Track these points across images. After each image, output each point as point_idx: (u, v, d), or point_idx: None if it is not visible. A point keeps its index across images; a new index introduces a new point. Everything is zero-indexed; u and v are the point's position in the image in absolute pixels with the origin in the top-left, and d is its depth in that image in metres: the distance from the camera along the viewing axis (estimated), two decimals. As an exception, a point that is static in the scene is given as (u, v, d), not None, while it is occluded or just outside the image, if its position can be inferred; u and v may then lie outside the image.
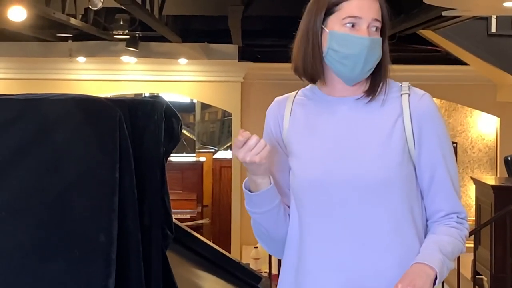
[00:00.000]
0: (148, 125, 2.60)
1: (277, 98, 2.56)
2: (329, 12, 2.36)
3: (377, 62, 2.37)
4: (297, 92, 2.52)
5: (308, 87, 2.50)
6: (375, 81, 2.40)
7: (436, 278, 2.25)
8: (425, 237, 2.40)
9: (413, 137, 2.37)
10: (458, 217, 2.41)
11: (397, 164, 2.33)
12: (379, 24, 2.36)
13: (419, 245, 2.36)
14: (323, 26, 2.37)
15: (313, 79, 2.45)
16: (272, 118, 2.52)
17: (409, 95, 2.41)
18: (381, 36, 2.38)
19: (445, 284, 7.78)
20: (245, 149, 2.26)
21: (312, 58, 2.39)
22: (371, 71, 2.37)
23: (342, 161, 2.34)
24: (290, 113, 2.48)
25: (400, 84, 2.45)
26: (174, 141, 2.72)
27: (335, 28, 2.35)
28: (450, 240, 2.36)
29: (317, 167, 2.36)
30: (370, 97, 2.39)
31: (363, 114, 2.39)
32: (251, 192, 2.40)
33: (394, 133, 2.36)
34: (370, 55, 2.32)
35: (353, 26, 2.33)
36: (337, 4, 2.34)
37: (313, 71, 2.41)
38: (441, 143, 2.41)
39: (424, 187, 2.40)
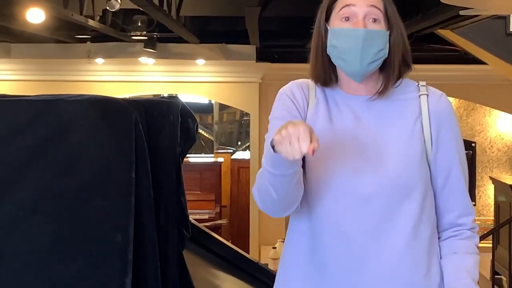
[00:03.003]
0: (164, 125, 2.61)
1: (294, 82, 2.46)
2: (330, 9, 2.35)
3: (381, 55, 2.32)
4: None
5: None
6: (385, 79, 2.37)
7: None
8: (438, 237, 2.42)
9: (430, 138, 2.36)
10: (471, 221, 2.43)
11: (418, 164, 2.33)
12: (378, 14, 2.32)
13: (435, 245, 2.37)
14: (326, 25, 2.36)
15: (322, 82, 2.41)
16: (298, 96, 2.40)
17: (427, 95, 2.40)
18: (389, 29, 2.34)
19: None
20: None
21: (318, 60, 2.38)
22: (374, 65, 2.33)
23: (363, 161, 2.31)
24: (315, 99, 2.41)
25: (417, 84, 2.43)
26: (190, 142, 2.73)
27: (334, 24, 2.33)
28: (474, 261, 2.39)
29: (340, 164, 2.32)
30: (382, 95, 2.36)
31: (381, 115, 2.37)
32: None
33: (414, 134, 2.35)
34: (367, 47, 2.29)
35: (348, 19, 2.31)
36: (335, 0, 2.34)
37: (320, 73, 2.39)
38: (457, 144, 2.41)
39: (438, 186, 2.40)
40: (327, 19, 2.37)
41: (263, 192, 2.27)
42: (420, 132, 2.36)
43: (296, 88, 2.43)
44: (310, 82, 2.46)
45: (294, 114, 2.38)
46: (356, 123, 2.36)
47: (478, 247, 2.43)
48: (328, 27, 2.35)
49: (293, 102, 2.40)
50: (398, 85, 2.41)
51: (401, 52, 2.37)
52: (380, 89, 2.37)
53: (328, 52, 2.36)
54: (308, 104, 2.41)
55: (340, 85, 2.42)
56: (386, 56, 2.34)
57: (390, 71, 2.37)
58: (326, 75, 2.40)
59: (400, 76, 2.41)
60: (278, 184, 2.20)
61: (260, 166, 2.38)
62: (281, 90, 2.45)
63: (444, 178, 2.39)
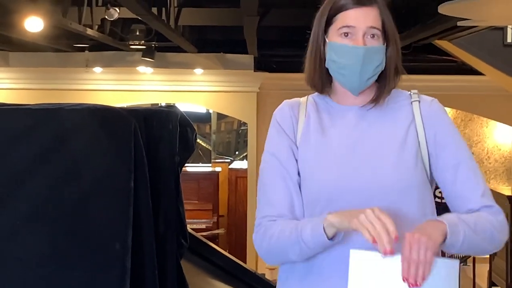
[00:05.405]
0: (162, 134, 2.61)
1: (287, 101, 2.52)
2: (329, 23, 2.38)
3: (379, 69, 2.36)
4: (307, 98, 2.51)
5: (318, 94, 2.50)
6: (380, 90, 2.41)
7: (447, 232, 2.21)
8: None
9: (426, 142, 2.38)
10: (489, 209, 2.37)
11: (412, 170, 2.34)
12: (377, 31, 2.35)
13: None
14: (325, 37, 2.39)
15: (319, 90, 2.46)
16: (287, 119, 2.47)
17: (419, 102, 2.43)
18: (386, 42, 2.37)
19: (461, 294, 7.72)
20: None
21: (315, 69, 2.42)
22: (372, 79, 2.37)
23: (357, 168, 2.34)
24: (305, 116, 2.46)
25: (409, 93, 2.47)
26: (188, 151, 2.74)
27: (333, 38, 2.36)
28: (473, 216, 2.31)
29: (333, 173, 2.34)
30: (374, 104, 2.40)
31: (375, 122, 2.40)
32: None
33: (408, 140, 2.37)
34: (366, 64, 2.32)
35: (347, 35, 2.33)
36: (335, 14, 2.36)
37: (318, 83, 2.43)
38: (458, 140, 2.43)
39: (447, 185, 2.39)
40: (325, 30, 2.39)
41: (280, 256, 2.36)
42: (415, 138, 2.38)
43: (287, 110, 2.49)
44: (302, 100, 2.52)
45: (286, 146, 2.43)
46: (350, 133, 2.39)
47: (494, 226, 2.33)
48: (327, 40, 2.38)
49: (283, 131, 2.45)
50: (390, 95, 2.44)
51: (395, 63, 2.42)
52: (374, 98, 2.41)
53: (326, 65, 2.39)
54: (298, 123, 2.45)
55: (335, 95, 2.46)
56: (383, 69, 2.38)
57: (386, 82, 2.41)
58: (323, 85, 2.44)
59: (394, 85, 2.44)
60: (311, 253, 2.29)
61: (257, 176, 2.41)
62: (274, 112, 2.51)
63: (452, 176, 2.38)
